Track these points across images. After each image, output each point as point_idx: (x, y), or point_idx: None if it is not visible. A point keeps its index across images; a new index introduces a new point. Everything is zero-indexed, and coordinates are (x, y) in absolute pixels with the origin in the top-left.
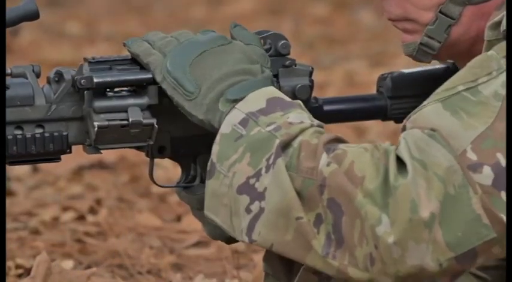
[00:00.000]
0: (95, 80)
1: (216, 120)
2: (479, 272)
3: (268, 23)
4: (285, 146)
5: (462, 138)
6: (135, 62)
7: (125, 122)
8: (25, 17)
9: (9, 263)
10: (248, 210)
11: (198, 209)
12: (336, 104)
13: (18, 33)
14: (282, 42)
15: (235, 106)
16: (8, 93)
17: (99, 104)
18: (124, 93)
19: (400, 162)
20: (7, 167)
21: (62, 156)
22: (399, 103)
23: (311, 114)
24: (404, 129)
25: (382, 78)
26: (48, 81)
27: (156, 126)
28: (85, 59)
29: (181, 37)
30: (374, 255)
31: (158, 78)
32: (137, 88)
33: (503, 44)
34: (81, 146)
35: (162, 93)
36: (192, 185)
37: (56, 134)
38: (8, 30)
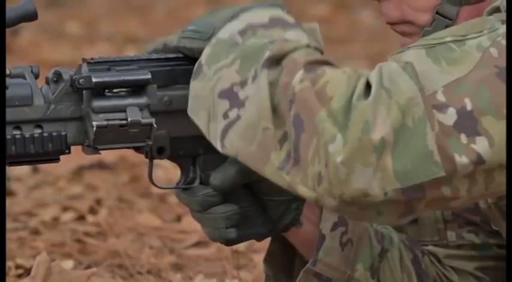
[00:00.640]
0: (94, 80)
1: None
2: (478, 273)
3: None
4: (275, 61)
5: (436, 80)
6: (134, 63)
7: (124, 122)
8: (23, 17)
9: (9, 263)
10: (225, 115)
11: (197, 211)
12: None
13: (18, 33)
14: None
15: (238, 16)
16: (7, 93)
17: (98, 103)
18: (123, 93)
19: (368, 87)
20: (7, 167)
21: (62, 156)
22: None
23: None
24: None
25: None
26: (47, 82)
27: (155, 126)
28: (84, 60)
29: None
30: (323, 174)
31: (176, 42)
32: (136, 88)
33: (503, 14)
34: (80, 147)
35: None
36: (191, 187)
37: (54, 133)
38: (7, 30)
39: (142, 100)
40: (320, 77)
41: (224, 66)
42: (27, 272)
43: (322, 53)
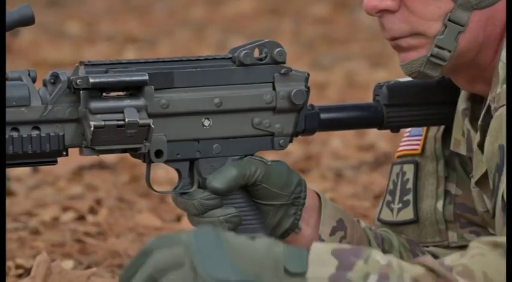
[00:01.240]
0: (91, 80)
1: None
2: None
3: (268, 23)
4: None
5: None
6: (132, 65)
7: (121, 122)
8: (20, 21)
9: (9, 263)
10: None
11: (194, 214)
12: (332, 112)
13: (18, 34)
14: (278, 49)
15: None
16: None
17: (95, 104)
18: (120, 94)
19: None
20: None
21: (62, 156)
22: (395, 111)
23: (307, 121)
24: None
25: (378, 87)
26: (44, 84)
27: (152, 126)
28: (81, 62)
29: None
30: None
31: None
32: (133, 90)
33: None
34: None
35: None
36: (189, 191)
37: (52, 134)
38: None
39: (140, 101)
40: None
41: None
42: (27, 272)
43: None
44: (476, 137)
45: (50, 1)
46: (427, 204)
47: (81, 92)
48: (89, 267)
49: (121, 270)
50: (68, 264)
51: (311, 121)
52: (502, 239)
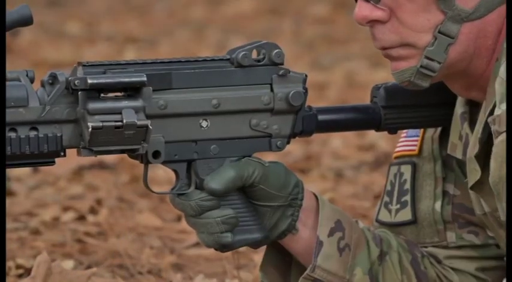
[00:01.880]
0: (89, 81)
1: None
2: (479, 273)
3: (268, 23)
4: None
5: None
6: (130, 66)
7: (119, 123)
8: (19, 22)
9: (9, 263)
10: None
11: (191, 215)
12: (329, 113)
13: (18, 34)
14: (276, 51)
15: None
16: None
17: (93, 105)
18: (118, 95)
19: None
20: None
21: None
22: (393, 113)
23: (304, 123)
24: None
25: (376, 89)
26: (42, 84)
27: (150, 128)
28: (79, 63)
29: None
30: None
31: None
32: (131, 91)
33: None
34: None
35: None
36: (186, 192)
37: (50, 135)
38: None
39: (138, 103)
40: None
41: None
42: (28, 272)
43: None
44: (474, 148)
45: (50, 1)
46: (425, 204)
47: (79, 92)
48: (89, 267)
49: (121, 270)
50: (69, 264)
51: (309, 123)
52: None
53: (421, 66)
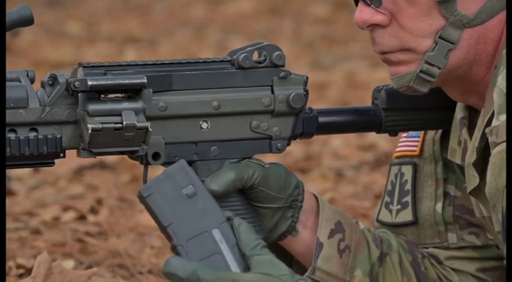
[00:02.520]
0: (89, 83)
1: None
2: (480, 274)
3: (268, 23)
4: None
5: None
6: (130, 67)
7: (119, 125)
8: (19, 22)
9: (10, 263)
10: None
11: None
12: (330, 115)
13: (18, 34)
14: (277, 53)
15: None
16: None
17: (93, 107)
18: (118, 97)
19: None
20: None
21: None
22: (394, 115)
23: (305, 125)
24: None
25: (377, 91)
26: (42, 85)
27: (150, 129)
28: (79, 64)
29: None
30: None
31: None
32: (131, 92)
33: None
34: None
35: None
36: None
37: (49, 136)
38: None
39: (138, 104)
40: None
41: None
42: (28, 271)
43: None
44: (472, 156)
45: (50, 1)
46: (426, 205)
47: (80, 94)
48: (89, 267)
49: (122, 270)
50: (69, 264)
51: (309, 124)
52: None
53: (421, 71)
